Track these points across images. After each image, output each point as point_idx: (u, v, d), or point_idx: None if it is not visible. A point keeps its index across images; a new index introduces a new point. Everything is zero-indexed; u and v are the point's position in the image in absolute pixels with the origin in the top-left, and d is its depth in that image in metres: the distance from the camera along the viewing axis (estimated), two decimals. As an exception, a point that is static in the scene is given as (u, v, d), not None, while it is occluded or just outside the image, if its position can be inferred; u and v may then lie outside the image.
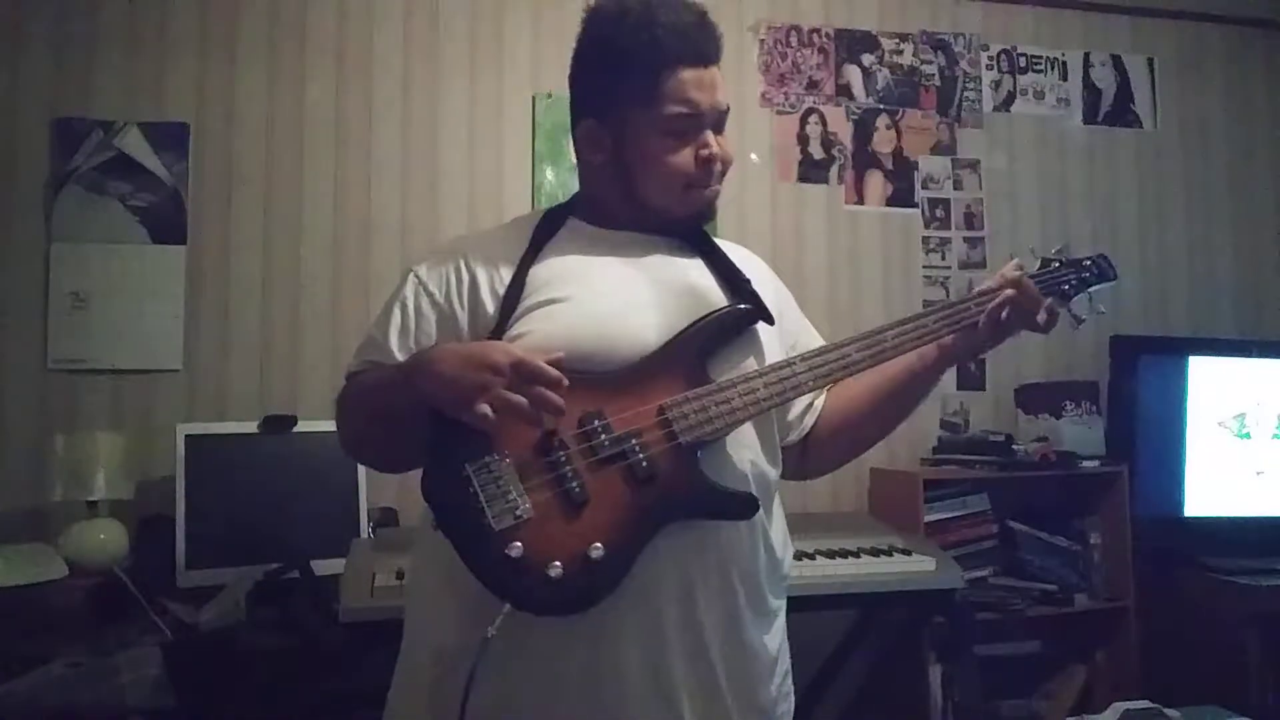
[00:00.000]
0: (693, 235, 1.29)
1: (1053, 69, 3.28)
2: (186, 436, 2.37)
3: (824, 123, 3.07)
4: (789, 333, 1.30)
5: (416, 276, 1.22)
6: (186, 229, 2.63)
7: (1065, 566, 2.82)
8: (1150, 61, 3.36)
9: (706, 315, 1.18)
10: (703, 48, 1.19)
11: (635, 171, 1.21)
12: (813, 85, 3.08)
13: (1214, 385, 2.93)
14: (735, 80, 3.01)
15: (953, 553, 2.50)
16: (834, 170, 3.07)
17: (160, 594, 2.16)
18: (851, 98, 3.11)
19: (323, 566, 2.20)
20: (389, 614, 1.56)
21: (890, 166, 3.12)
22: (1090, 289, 1.32)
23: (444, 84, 2.82)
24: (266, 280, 2.68)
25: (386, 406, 1.14)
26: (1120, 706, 2.02)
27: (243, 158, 2.68)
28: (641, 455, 1.08)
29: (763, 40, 3.05)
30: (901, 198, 3.12)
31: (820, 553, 2.27)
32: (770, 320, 1.22)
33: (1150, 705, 2.02)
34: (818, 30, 3.10)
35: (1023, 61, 3.26)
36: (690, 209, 1.23)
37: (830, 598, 2.22)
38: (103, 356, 2.56)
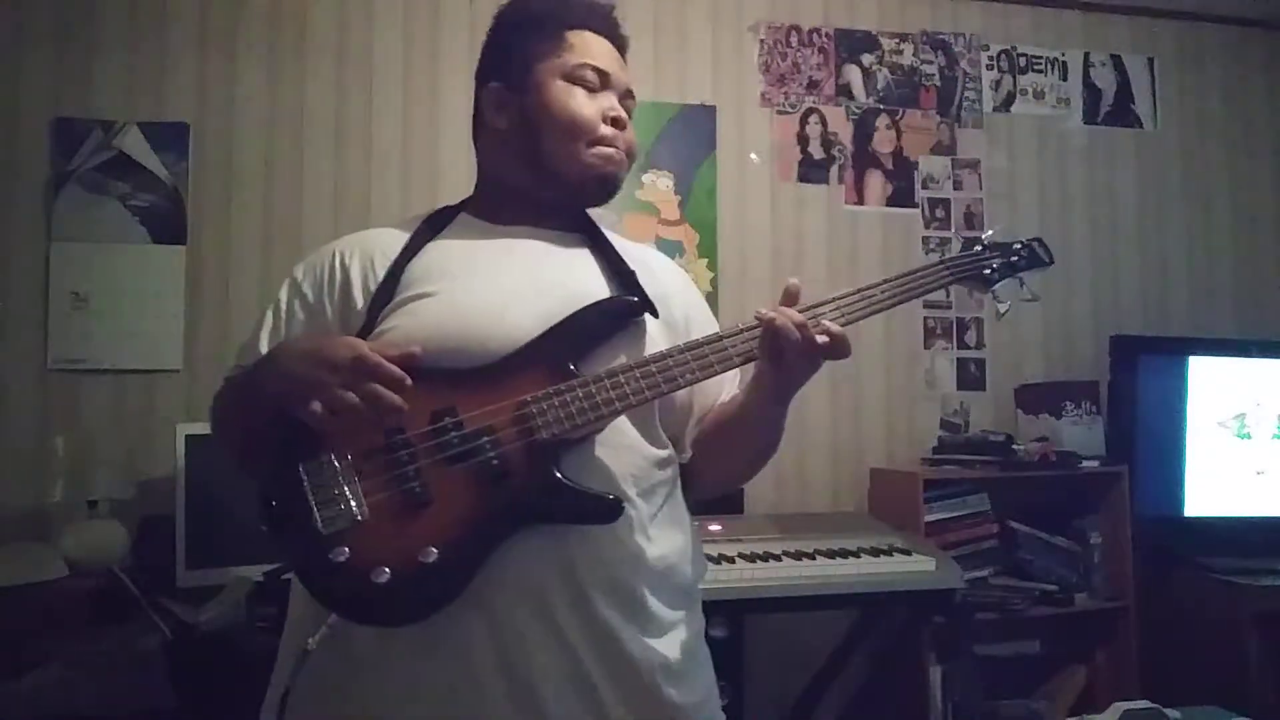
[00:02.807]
0: (583, 227, 1.25)
1: (1053, 69, 3.28)
2: (187, 436, 2.36)
3: (824, 123, 3.07)
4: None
5: (293, 278, 1.21)
6: (186, 229, 2.63)
7: (1065, 566, 2.82)
8: (1150, 61, 3.36)
9: (581, 309, 1.10)
10: (609, 25, 1.24)
11: (540, 127, 1.18)
12: (813, 85, 3.08)
13: (1214, 385, 2.93)
14: (735, 80, 3.01)
15: (953, 553, 2.51)
16: (834, 170, 3.07)
17: (160, 594, 2.16)
18: (851, 98, 3.11)
19: (323, 566, 2.19)
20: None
21: (890, 166, 3.11)
22: (1020, 274, 1.24)
23: (444, 84, 2.81)
24: (266, 280, 2.67)
25: (244, 406, 1.11)
26: (1120, 706, 2.02)
27: (243, 158, 2.68)
28: (493, 454, 1.01)
29: (763, 40, 3.05)
30: (901, 198, 3.12)
31: (820, 553, 2.27)
32: (655, 313, 1.14)
33: (1150, 705, 2.02)
34: (818, 30, 3.10)
35: (1023, 61, 3.26)
36: (594, 171, 1.18)
37: (830, 598, 2.22)
38: (103, 356, 2.56)
